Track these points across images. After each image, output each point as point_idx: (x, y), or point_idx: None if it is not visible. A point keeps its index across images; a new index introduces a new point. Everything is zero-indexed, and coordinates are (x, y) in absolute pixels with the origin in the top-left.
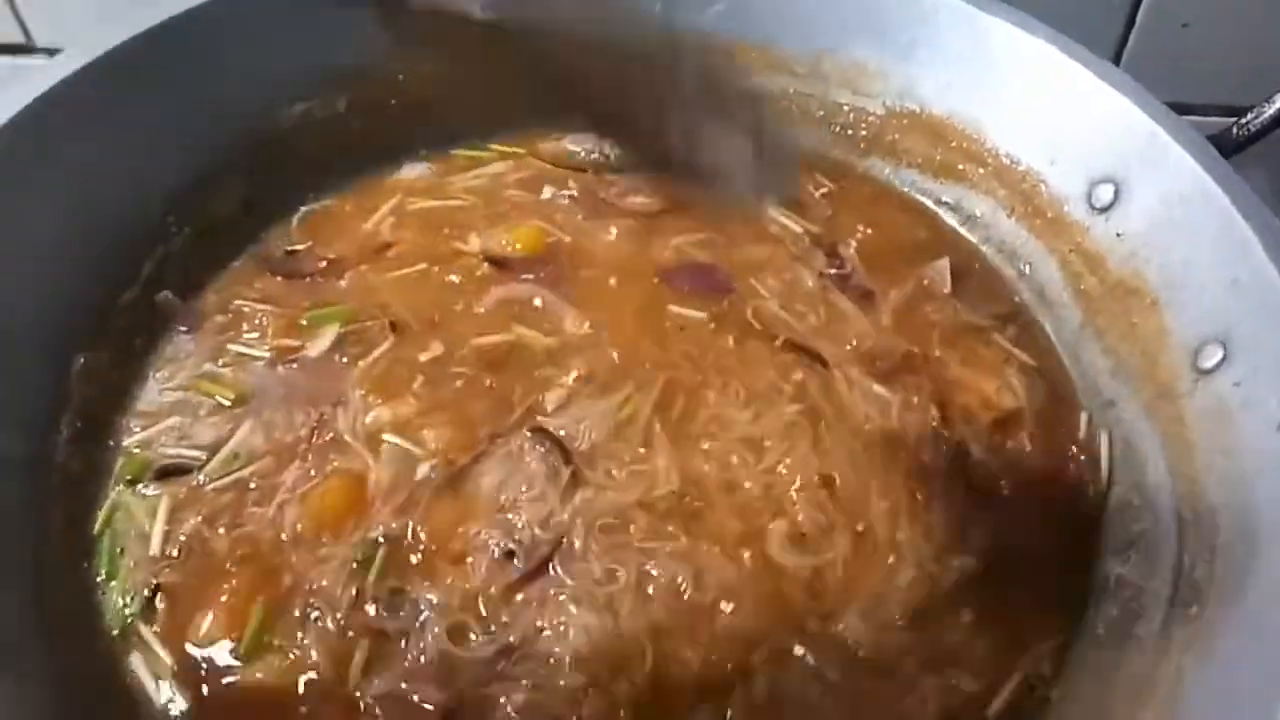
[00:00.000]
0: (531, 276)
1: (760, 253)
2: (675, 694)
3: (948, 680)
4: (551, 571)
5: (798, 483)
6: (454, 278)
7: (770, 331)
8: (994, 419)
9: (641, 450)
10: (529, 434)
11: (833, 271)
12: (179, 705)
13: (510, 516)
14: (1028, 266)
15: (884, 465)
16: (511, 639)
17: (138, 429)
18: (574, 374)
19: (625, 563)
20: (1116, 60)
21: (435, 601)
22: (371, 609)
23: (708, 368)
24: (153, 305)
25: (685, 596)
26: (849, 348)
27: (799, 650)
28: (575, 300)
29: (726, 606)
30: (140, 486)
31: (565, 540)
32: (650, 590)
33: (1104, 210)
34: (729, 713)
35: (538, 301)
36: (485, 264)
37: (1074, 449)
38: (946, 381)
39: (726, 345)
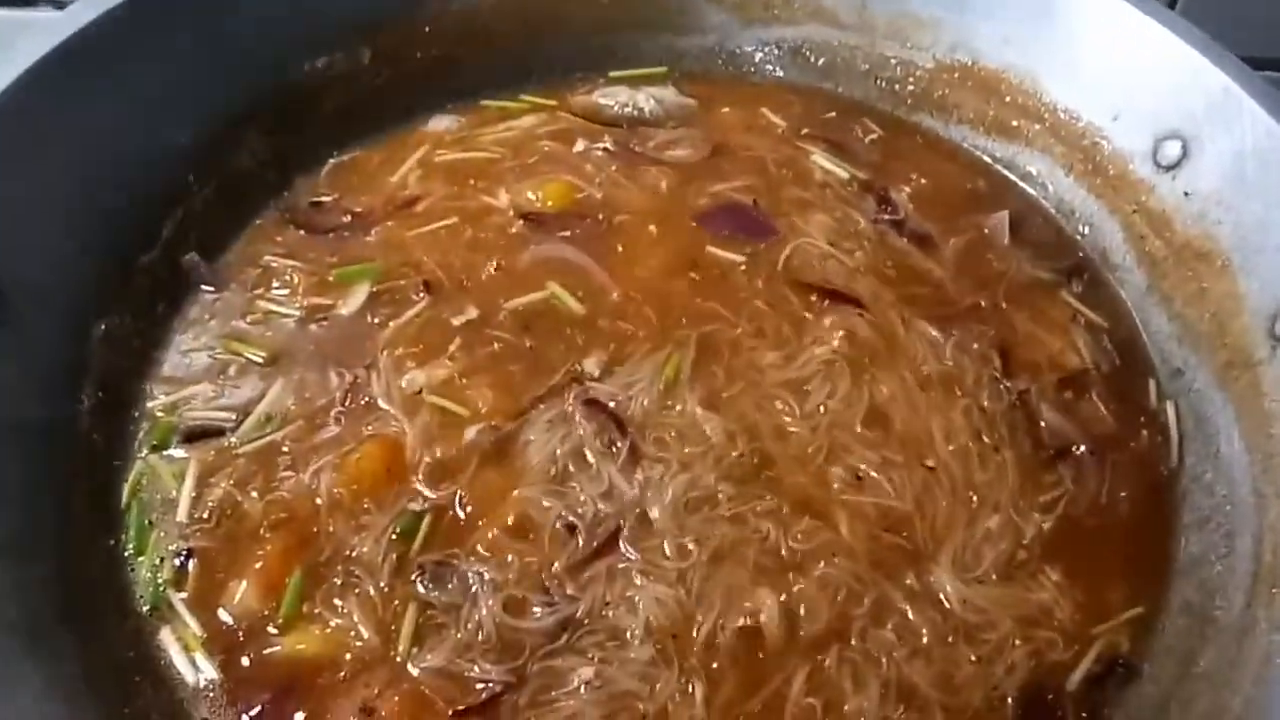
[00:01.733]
0: (567, 234)
1: (806, 195)
2: (757, 663)
3: (1035, 646)
4: (622, 548)
5: (845, 423)
6: (486, 235)
7: (811, 273)
8: (1060, 379)
9: (692, 414)
10: (583, 406)
11: (885, 217)
12: (212, 676)
13: (566, 489)
14: (1087, 227)
15: (942, 406)
16: (577, 612)
17: (162, 394)
18: (612, 335)
19: (709, 535)
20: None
21: (487, 575)
22: (417, 580)
23: (745, 315)
24: (174, 267)
25: (781, 555)
26: (906, 289)
27: (900, 603)
28: (610, 256)
29: (819, 561)
30: (167, 450)
31: (635, 515)
32: (735, 556)
33: (1171, 168)
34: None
35: (572, 260)
36: (518, 220)
37: (1143, 417)
38: (1011, 333)
39: (764, 290)
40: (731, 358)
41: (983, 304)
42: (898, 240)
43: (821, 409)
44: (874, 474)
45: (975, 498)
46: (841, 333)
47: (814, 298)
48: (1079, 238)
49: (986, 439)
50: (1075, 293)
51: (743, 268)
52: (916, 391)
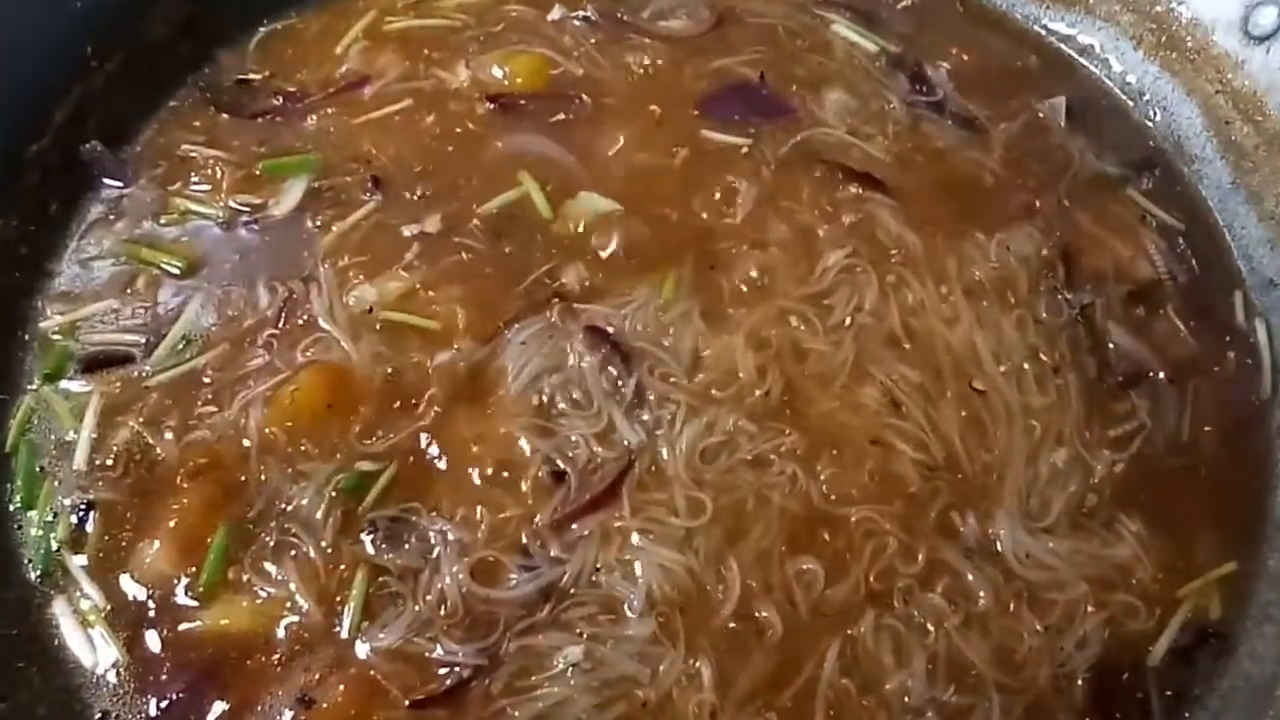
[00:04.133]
0: (544, 121)
1: (824, 72)
2: (779, 640)
3: (1111, 612)
4: (623, 500)
5: (874, 338)
6: (446, 121)
7: (830, 159)
8: (1129, 291)
9: (699, 339)
10: (584, 334)
11: (921, 98)
12: (115, 657)
13: (554, 425)
14: (1159, 112)
15: (990, 318)
16: (563, 578)
17: (57, 314)
18: (598, 243)
19: (727, 487)
20: None
21: (452, 533)
22: (367, 539)
23: (752, 215)
24: (71, 158)
25: (812, 503)
26: (945, 183)
27: (953, 560)
28: (593, 148)
29: (855, 509)
30: (63, 382)
31: (642, 463)
32: (757, 510)
33: (1264, 39)
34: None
35: (550, 155)
36: (484, 104)
37: (1229, 337)
38: (1072, 237)
39: (773, 180)
40: (738, 266)
41: (1038, 203)
42: (935, 125)
43: (847, 322)
44: (911, 398)
45: (1037, 426)
46: (863, 229)
47: (842, 179)
48: (1149, 124)
49: (1045, 357)
50: (1145, 189)
51: (745, 151)
52: (960, 299)
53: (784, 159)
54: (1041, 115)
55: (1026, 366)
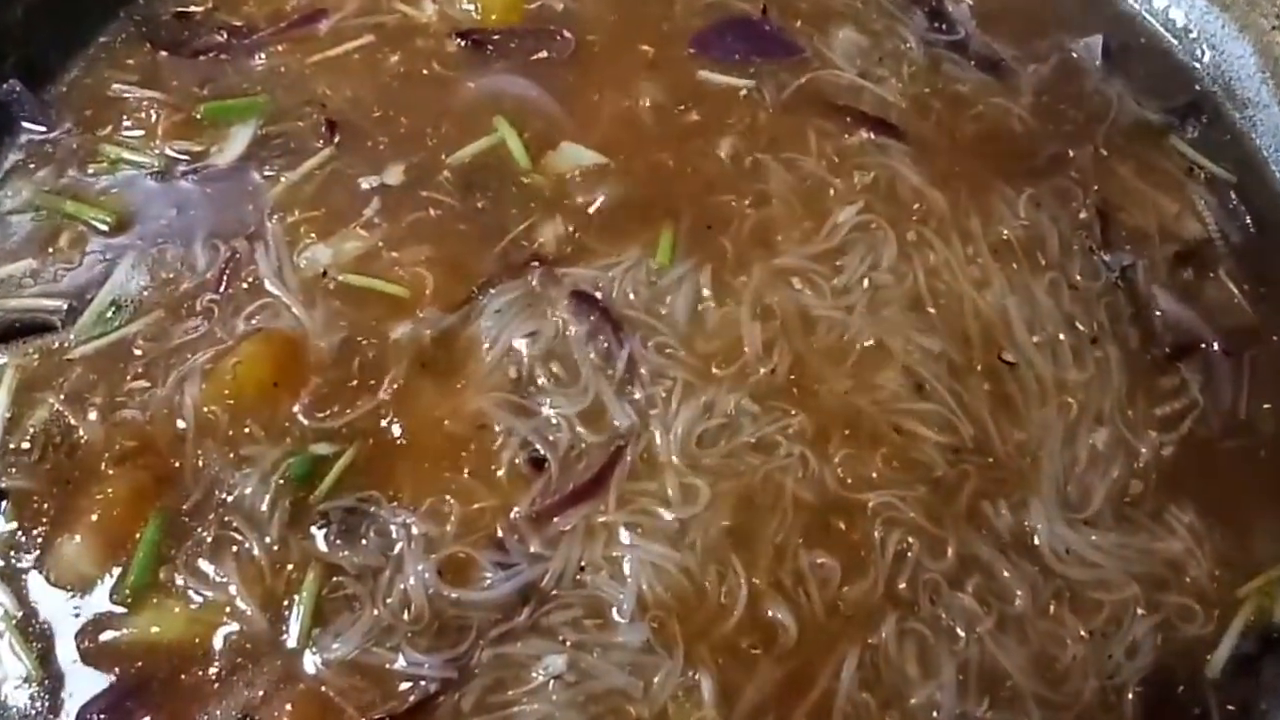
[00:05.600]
0: (530, 57)
1: (833, 6)
2: (790, 649)
3: (1164, 615)
4: (610, 491)
5: (890, 301)
6: (411, 61)
7: (839, 104)
8: (1176, 252)
9: (697, 307)
10: (571, 302)
11: (941, 36)
12: (25, 671)
13: (532, 404)
14: (1206, 50)
15: (1021, 282)
16: (543, 577)
17: None
18: (582, 197)
19: (727, 472)
20: None
21: (415, 526)
22: (319, 533)
23: (753, 167)
24: None
25: (826, 489)
26: (968, 131)
27: (985, 555)
28: (577, 91)
29: (873, 497)
30: None
31: (633, 447)
32: (761, 499)
33: None
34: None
35: (528, 97)
36: (454, 40)
37: None
38: (1111, 191)
39: (777, 124)
40: (739, 225)
41: (1071, 153)
42: (957, 67)
43: (861, 284)
44: (935, 373)
45: (1074, 403)
46: (877, 181)
47: (852, 125)
48: (1196, 65)
49: (1081, 326)
50: (1191, 138)
51: (744, 95)
52: (989, 260)
53: (788, 103)
54: (1075, 56)
55: (1061, 336)
